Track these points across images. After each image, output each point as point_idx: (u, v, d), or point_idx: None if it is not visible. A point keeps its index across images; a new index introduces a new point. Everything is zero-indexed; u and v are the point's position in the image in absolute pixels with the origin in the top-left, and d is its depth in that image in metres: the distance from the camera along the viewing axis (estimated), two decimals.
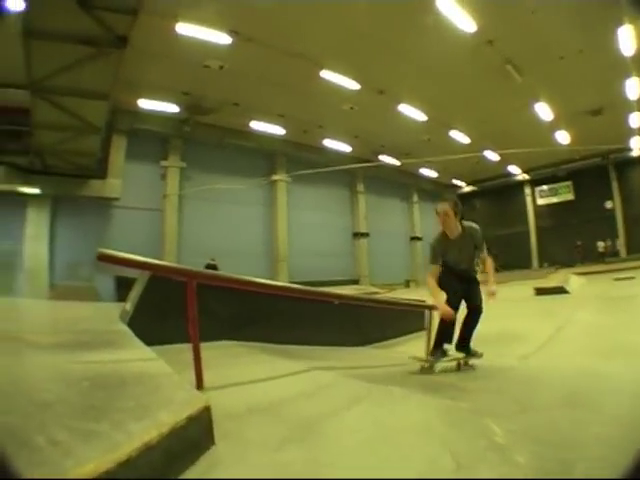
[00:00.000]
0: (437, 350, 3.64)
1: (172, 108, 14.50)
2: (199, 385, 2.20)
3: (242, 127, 16.50)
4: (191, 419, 1.35)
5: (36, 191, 12.58)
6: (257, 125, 16.63)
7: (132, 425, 1.22)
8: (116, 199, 14.09)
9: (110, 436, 1.13)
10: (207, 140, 16.48)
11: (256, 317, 4.45)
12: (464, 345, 3.72)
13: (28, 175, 12.46)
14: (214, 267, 11.79)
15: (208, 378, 2.28)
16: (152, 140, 15.45)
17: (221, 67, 12.46)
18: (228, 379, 2.43)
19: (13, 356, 2.35)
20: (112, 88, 9.00)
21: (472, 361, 3.77)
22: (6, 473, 0.90)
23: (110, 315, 4.80)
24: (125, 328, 3.74)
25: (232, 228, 16.63)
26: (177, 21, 10.26)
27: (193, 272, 2.57)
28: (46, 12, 6.43)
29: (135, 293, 4.25)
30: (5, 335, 3.10)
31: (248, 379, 2.50)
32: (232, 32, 10.90)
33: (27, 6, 6.10)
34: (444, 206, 3.48)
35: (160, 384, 1.78)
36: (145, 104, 14.11)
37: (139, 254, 2.47)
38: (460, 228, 3.57)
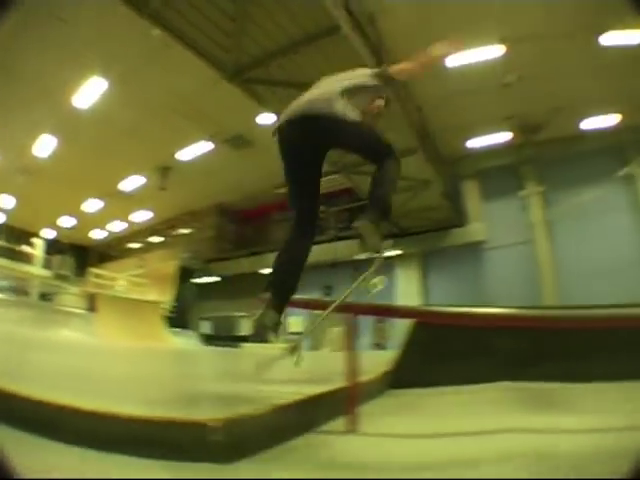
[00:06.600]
0: None
1: (503, 137, 13.16)
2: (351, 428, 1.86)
3: (573, 131, 12.96)
4: None
5: (398, 252, 13.68)
6: (589, 123, 12.60)
7: None
8: (481, 242, 13.60)
9: None
10: (554, 156, 13.67)
11: (551, 352, 3.26)
12: None
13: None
14: None
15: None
16: (501, 174, 14.21)
17: (519, 78, 10.29)
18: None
19: None
20: (413, 141, 8.79)
21: None
22: (6, 473, 0.89)
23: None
24: None
25: (605, 242, 12.83)
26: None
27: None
28: None
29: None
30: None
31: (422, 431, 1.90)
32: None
33: None
34: None
35: None
36: (473, 143, 13.37)
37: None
38: None
